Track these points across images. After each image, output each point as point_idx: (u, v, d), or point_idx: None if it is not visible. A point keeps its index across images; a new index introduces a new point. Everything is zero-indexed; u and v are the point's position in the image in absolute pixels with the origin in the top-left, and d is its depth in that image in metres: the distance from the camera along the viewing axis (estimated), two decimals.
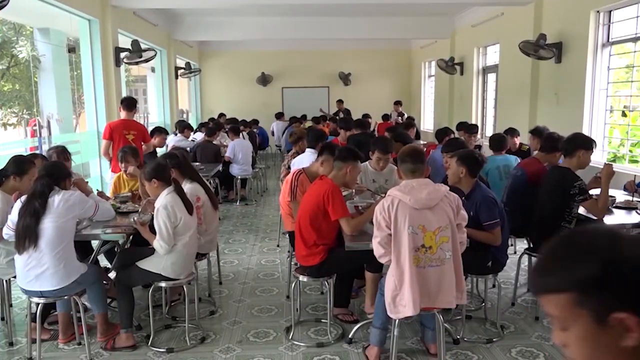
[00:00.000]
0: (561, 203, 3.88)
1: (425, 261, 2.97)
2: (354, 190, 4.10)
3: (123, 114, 6.24)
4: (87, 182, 4.43)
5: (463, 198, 3.69)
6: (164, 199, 3.53)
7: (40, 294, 3.38)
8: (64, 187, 3.51)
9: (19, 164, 3.71)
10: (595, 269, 0.90)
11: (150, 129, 7.26)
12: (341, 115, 12.65)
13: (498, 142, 5.47)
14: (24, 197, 3.37)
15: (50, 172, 3.48)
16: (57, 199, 3.34)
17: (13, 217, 3.34)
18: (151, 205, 3.78)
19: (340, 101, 14.33)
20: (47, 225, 3.27)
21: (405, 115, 12.63)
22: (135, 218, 3.67)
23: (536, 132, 5.68)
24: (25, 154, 5.12)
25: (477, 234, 3.51)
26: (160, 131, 7.34)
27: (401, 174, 3.19)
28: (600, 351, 0.93)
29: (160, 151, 7.28)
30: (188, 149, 7.89)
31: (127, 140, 5.93)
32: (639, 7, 6.10)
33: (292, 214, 4.27)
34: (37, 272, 3.29)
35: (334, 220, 3.55)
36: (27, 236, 3.26)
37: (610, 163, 4.06)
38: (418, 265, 2.96)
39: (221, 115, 12.78)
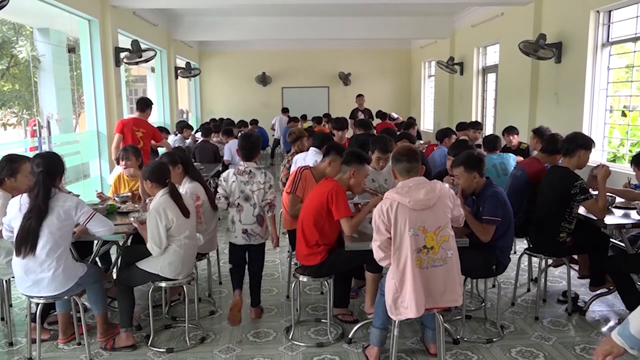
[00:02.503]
0: (562, 203, 3.88)
1: (427, 262, 2.97)
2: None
3: (136, 114, 6.59)
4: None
5: (473, 197, 3.71)
6: (157, 201, 3.52)
7: (40, 297, 3.36)
8: (57, 186, 3.40)
9: (9, 163, 3.63)
10: None
11: None
12: (360, 115, 11.10)
13: (492, 142, 5.74)
14: (23, 198, 3.28)
15: (50, 169, 3.33)
16: (54, 203, 3.26)
17: (7, 219, 3.29)
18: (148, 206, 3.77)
19: (360, 96, 12.04)
20: (44, 232, 3.21)
21: (394, 115, 12.46)
22: (135, 217, 3.66)
23: (538, 132, 5.69)
24: (24, 154, 5.10)
25: (473, 221, 3.53)
26: (162, 131, 7.50)
27: (396, 174, 3.18)
28: None
29: (161, 151, 7.29)
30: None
31: (136, 137, 6.33)
32: (639, 7, 6.10)
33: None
34: (36, 278, 3.26)
35: (336, 220, 3.55)
36: (28, 241, 3.19)
37: (603, 165, 4.07)
38: (421, 266, 2.95)
39: (221, 119, 12.72)
